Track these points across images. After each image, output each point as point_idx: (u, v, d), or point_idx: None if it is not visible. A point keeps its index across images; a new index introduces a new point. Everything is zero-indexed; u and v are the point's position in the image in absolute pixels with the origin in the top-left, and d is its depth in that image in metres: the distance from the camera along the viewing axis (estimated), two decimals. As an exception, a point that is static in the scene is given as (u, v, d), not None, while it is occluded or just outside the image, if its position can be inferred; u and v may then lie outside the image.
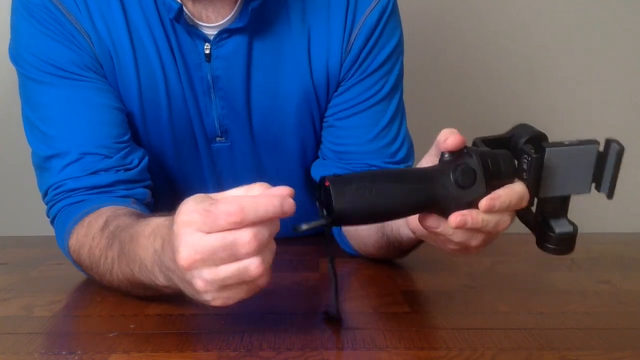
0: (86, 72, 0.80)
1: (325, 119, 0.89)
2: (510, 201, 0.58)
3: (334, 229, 0.90)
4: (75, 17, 0.79)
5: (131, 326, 0.64)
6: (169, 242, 0.56)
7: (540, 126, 0.62)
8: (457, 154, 0.59)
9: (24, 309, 0.69)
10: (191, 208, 0.53)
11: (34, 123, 0.81)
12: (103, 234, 0.68)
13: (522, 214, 0.63)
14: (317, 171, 0.90)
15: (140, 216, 0.69)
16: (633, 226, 1.14)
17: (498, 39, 1.50)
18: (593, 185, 0.63)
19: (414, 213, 0.60)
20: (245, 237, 0.52)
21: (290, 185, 0.55)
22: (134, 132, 0.85)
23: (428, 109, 1.48)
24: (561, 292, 0.75)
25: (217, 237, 0.52)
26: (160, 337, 0.61)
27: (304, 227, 0.55)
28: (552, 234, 0.62)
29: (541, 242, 0.63)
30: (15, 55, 0.82)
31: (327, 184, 0.55)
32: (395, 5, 0.87)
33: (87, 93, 0.79)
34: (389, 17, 0.86)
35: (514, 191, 0.59)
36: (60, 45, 0.79)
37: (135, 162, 0.81)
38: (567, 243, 0.63)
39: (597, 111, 1.55)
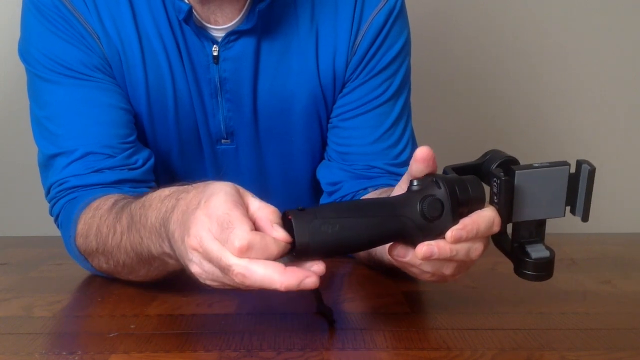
0: (94, 72, 0.80)
1: (330, 120, 0.89)
2: (478, 229, 0.56)
3: None
4: (84, 17, 0.79)
5: (131, 326, 0.63)
6: (183, 212, 0.55)
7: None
8: (425, 183, 0.57)
9: (24, 309, 0.69)
10: (218, 206, 0.52)
11: (41, 121, 0.81)
12: (111, 211, 0.68)
13: (497, 240, 0.62)
14: (322, 173, 0.90)
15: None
16: (633, 226, 1.14)
17: (505, 38, 1.51)
18: (568, 208, 0.62)
19: (381, 244, 0.59)
20: (239, 269, 0.51)
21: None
22: (141, 132, 0.85)
23: (435, 110, 1.48)
24: (561, 292, 0.75)
25: (220, 250, 0.51)
26: (161, 337, 0.61)
27: None
28: (528, 260, 0.61)
29: (518, 269, 0.62)
30: (25, 53, 0.83)
31: (289, 217, 0.54)
32: (402, 6, 0.87)
33: (94, 93, 0.80)
34: (396, 18, 0.86)
35: (482, 218, 0.57)
36: (69, 45, 0.79)
37: (140, 162, 0.81)
38: (544, 268, 0.62)
39: (599, 109, 1.55)
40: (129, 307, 0.68)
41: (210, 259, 0.52)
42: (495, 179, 0.59)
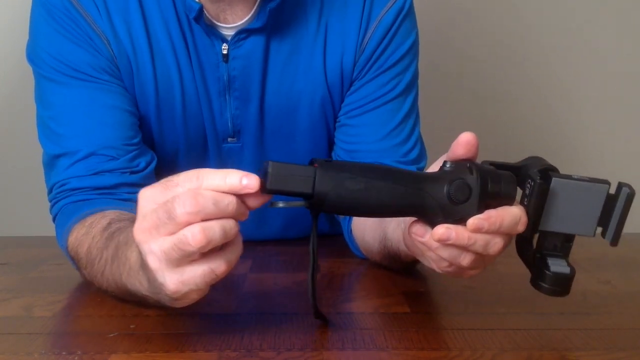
0: (101, 74, 0.80)
1: (338, 119, 0.89)
2: (501, 223, 0.55)
3: (345, 231, 0.90)
4: (93, 19, 0.79)
5: (131, 326, 0.64)
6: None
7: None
8: (459, 166, 0.57)
9: (24, 309, 0.69)
10: (155, 184, 0.54)
11: (46, 122, 0.81)
12: (103, 234, 0.68)
13: (521, 248, 0.62)
14: None
15: None
16: (633, 226, 1.14)
17: (508, 34, 1.50)
18: (599, 230, 0.61)
19: (398, 215, 0.59)
20: (183, 199, 0.50)
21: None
22: (149, 132, 0.85)
23: (439, 107, 1.48)
24: (561, 292, 0.75)
25: (161, 206, 0.51)
26: (161, 337, 0.61)
27: (281, 204, 0.54)
28: (547, 272, 0.60)
29: (535, 280, 0.62)
30: (32, 54, 0.83)
31: (315, 165, 0.53)
32: (411, 6, 0.87)
33: (99, 94, 0.80)
34: (405, 17, 0.86)
35: (508, 213, 0.56)
36: (77, 46, 0.79)
37: (142, 165, 0.81)
38: (562, 284, 0.61)
39: (602, 108, 1.55)
40: (128, 307, 0.68)
41: (158, 219, 0.51)
42: (530, 180, 0.58)
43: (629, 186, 0.59)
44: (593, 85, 1.53)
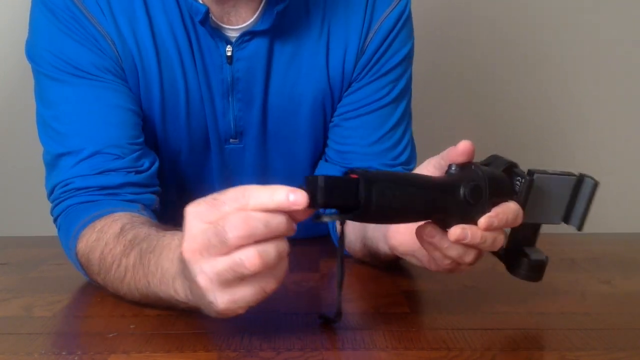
0: (105, 74, 0.80)
1: (332, 119, 0.89)
2: (507, 219, 0.59)
3: (330, 229, 0.90)
4: (97, 20, 0.79)
5: (131, 326, 0.64)
6: (179, 260, 0.55)
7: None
8: (465, 169, 0.59)
9: (24, 309, 0.69)
10: (200, 200, 0.53)
11: (47, 121, 0.80)
12: (118, 240, 0.67)
13: None
14: (319, 173, 0.90)
15: (160, 227, 0.68)
16: (633, 226, 1.14)
17: (511, 39, 1.50)
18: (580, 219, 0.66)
19: (422, 220, 0.60)
20: (234, 222, 0.50)
21: (300, 187, 0.55)
22: (153, 133, 0.85)
23: (441, 111, 1.48)
24: (561, 293, 0.75)
25: (210, 227, 0.51)
26: (160, 337, 0.61)
27: (325, 218, 0.54)
28: (526, 259, 0.64)
29: (513, 268, 0.65)
30: (32, 52, 0.82)
31: (355, 176, 0.54)
32: (410, 12, 0.88)
33: (104, 93, 0.79)
34: (405, 23, 0.87)
35: (510, 209, 0.59)
36: (81, 45, 0.79)
37: (146, 165, 0.80)
38: (538, 270, 0.65)
39: (601, 109, 1.55)
40: (128, 307, 0.68)
41: (208, 241, 0.50)
42: (519, 177, 0.62)
43: (592, 177, 0.64)
44: (593, 85, 1.53)
